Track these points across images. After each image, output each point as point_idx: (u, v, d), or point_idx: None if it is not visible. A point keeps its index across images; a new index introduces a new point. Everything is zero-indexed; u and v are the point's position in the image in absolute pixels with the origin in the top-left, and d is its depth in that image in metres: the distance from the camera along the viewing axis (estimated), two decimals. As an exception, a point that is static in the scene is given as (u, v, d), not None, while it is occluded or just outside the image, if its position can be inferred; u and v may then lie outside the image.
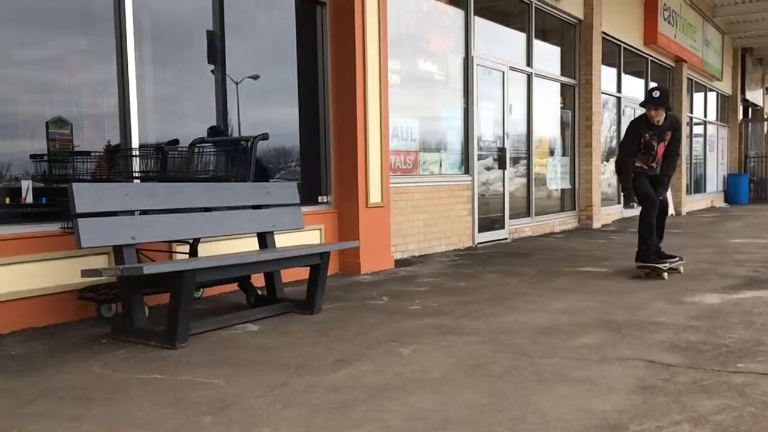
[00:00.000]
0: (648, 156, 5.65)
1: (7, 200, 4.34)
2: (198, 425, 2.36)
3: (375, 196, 6.17)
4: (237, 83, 5.61)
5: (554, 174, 10.53)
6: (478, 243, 8.16)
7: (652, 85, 5.71)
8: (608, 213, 11.69)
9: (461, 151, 8.18)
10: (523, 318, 4.02)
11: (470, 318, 4.05)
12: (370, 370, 2.99)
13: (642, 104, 5.64)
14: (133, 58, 4.66)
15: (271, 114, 6.11)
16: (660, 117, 5.51)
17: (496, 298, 4.70)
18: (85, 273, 3.55)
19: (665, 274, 5.40)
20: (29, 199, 4.37)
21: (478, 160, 8.28)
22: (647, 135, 5.59)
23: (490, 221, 8.57)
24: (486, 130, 8.58)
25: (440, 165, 7.84)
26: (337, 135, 6.14)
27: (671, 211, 9.88)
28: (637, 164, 5.65)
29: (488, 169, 8.64)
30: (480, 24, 8.31)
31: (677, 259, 5.67)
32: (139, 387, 2.80)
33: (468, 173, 8.14)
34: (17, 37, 4.35)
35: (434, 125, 7.82)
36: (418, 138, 7.44)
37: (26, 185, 4.39)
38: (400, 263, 6.53)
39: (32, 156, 4.49)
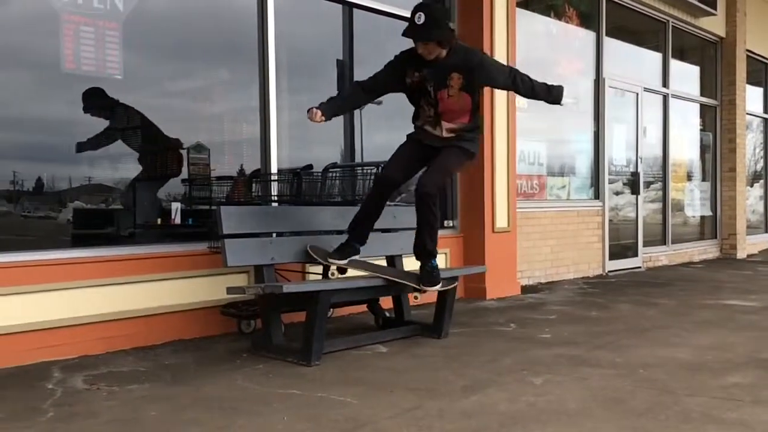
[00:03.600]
0: (425, 110, 3.86)
1: (159, 221, 4.73)
2: (336, 442, 2.43)
3: (501, 221, 6.11)
4: (361, 109, 5.78)
5: (692, 200, 9.93)
6: (609, 271, 7.83)
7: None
8: (754, 242, 10.84)
9: (591, 176, 7.92)
10: (663, 352, 3.81)
11: (605, 349, 3.89)
12: (501, 398, 2.95)
13: (404, 35, 3.69)
14: (274, 88, 4.94)
15: (395, 138, 6.22)
16: (434, 54, 3.70)
17: (632, 330, 4.48)
18: (230, 290, 3.78)
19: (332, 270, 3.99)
20: (178, 220, 4.73)
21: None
22: (415, 75, 3.76)
23: (620, 248, 8.21)
24: (617, 153, 8.27)
25: (568, 190, 7.64)
26: (464, 159, 6.15)
27: None
28: (418, 122, 3.96)
29: (617, 194, 8.30)
30: (612, 45, 8.07)
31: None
32: (279, 401, 2.93)
33: (598, 198, 7.87)
34: (169, 71, 4.76)
35: (562, 149, 7.65)
36: (545, 162, 7.31)
37: (175, 207, 4.75)
38: (526, 290, 6.40)
39: (183, 180, 4.88)
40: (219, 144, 5.10)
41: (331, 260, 3.92)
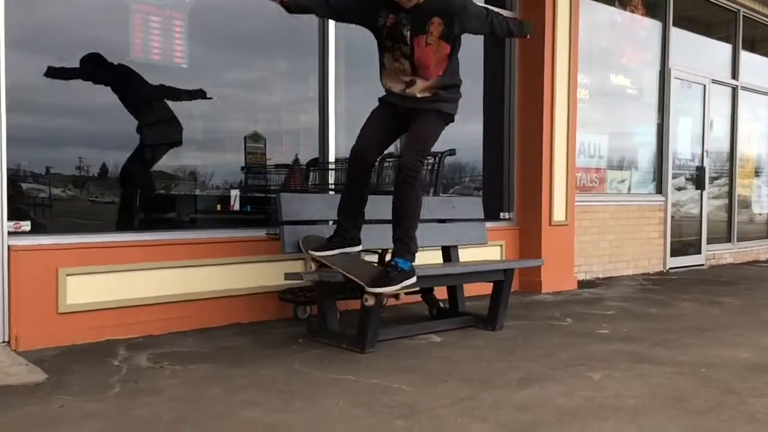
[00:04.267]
0: (396, 62, 3.42)
1: (218, 207, 4.85)
2: (391, 428, 2.45)
3: (559, 214, 6.01)
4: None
5: (759, 196, 9.54)
6: (670, 268, 7.61)
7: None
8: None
9: (653, 170, 7.70)
10: (727, 352, 3.68)
11: (666, 347, 3.79)
12: (558, 392, 2.91)
13: None
14: (333, 78, 4.98)
15: (447, 132, 6.16)
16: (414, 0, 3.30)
17: (694, 329, 4.35)
18: (288, 276, 3.85)
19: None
20: (237, 207, 4.83)
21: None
22: (389, 17, 3.36)
23: (682, 245, 7.96)
24: (681, 147, 8.00)
25: (629, 183, 7.45)
26: (522, 151, 6.08)
27: None
28: (388, 83, 3.51)
29: (679, 189, 8.04)
30: (679, 35, 7.80)
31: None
32: (334, 386, 2.97)
33: (660, 193, 7.64)
34: (230, 61, 4.85)
35: (624, 141, 7.45)
36: (605, 155, 7.14)
37: (234, 194, 4.86)
38: (583, 285, 6.28)
39: (241, 168, 4.98)
40: (276, 133, 5.18)
41: (311, 251, 3.55)
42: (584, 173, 6.83)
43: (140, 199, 4.54)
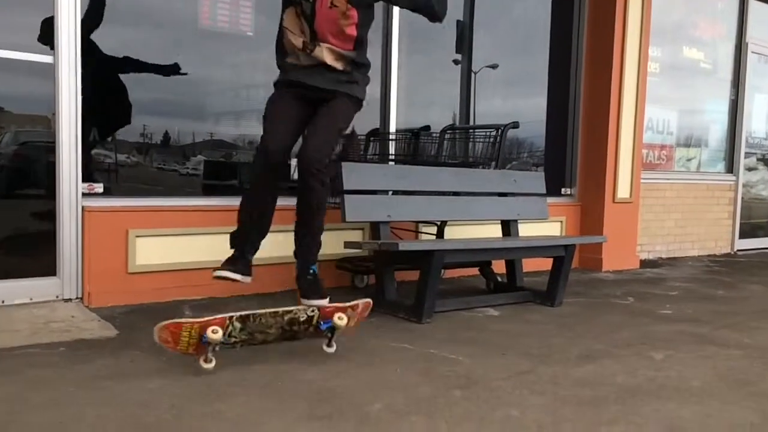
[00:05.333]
0: (293, 30, 2.88)
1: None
2: (448, 397, 2.46)
3: (623, 191, 5.85)
4: (475, 73, 5.68)
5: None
6: (738, 250, 7.33)
7: None
8: None
9: (724, 148, 7.39)
10: (799, 337, 3.54)
11: (732, 330, 3.67)
12: (618, 370, 2.86)
13: None
14: (397, 49, 4.94)
15: (510, 106, 6.08)
16: None
17: (763, 312, 4.19)
18: (348, 245, 3.88)
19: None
20: (295, 176, 4.87)
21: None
22: None
23: (750, 227, 7.65)
24: (756, 125, 7.64)
25: (698, 161, 7.18)
26: (587, 125, 5.92)
27: None
28: (288, 59, 2.96)
29: (750, 169, 7.70)
30: (758, 7, 7.39)
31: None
32: (391, 354, 3.00)
33: (731, 173, 7.34)
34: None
35: (694, 118, 7.17)
36: (675, 132, 6.89)
37: (294, 164, 4.90)
38: (645, 264, 6.13)
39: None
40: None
41: (218, 272, 2.87)
42: (651, 150, 6.61)
43: (206, 166, 4.64)
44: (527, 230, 5.22)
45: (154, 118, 4.27)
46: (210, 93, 4.49)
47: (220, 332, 2.52)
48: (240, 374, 2.62)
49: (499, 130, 4.60)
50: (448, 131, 4.85)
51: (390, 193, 4.20)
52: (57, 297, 3.65)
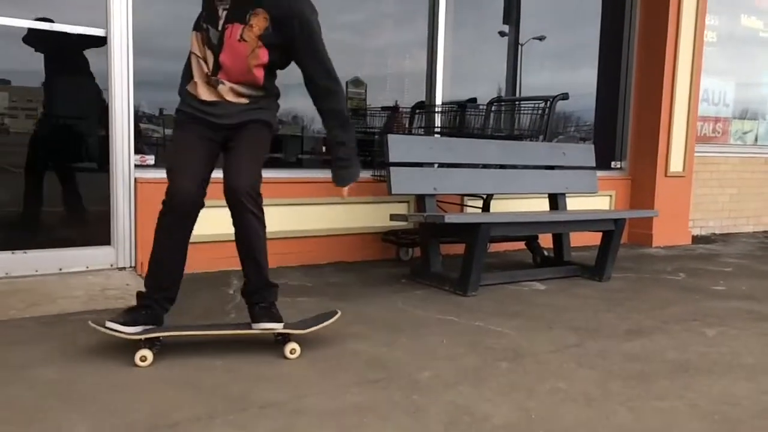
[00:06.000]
0: (201, 49, 2.55)
1: (324, 149, 4.93)
2: (494, 368, 2.46)
3: (676, 165, 5.69)
4: (522, 45, 5.56)
5: None
6: (796, 227, 7.08)
7: None
8: None
9: (784, 121, 7.11)
10: None
11: (789, 308, 3.56)
12: (669, 346, 2.81)
13: None
14: (443, 21, 4.88)
15: (557, 79, 5.94)
16: None
17: (822, 290, 4.05)
18: (393, 217, 3.89)
19: (142, 354, 2.37)
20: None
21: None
22: (219, 9, 2.50)
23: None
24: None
25: (755, 135, 6.92)
26: (639, 97, 5.76)
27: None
28: (192, 82, 2.58)
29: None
30: (825, -30, 7.03)
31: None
32: (438, 325, 3.01)
33: (792, 146, 7.06)
34: (337, 3, 4.82)
35: (753, 90, 6.89)
36: (731, 104, 6.64)
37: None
38: (697, 240, 5.98)
39: (350, 109, 5.02)
40: (381, 77, 5.15)
41: (111, 326, 2.39)
42: (705, 122, 6.40)
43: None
44: (575, 205, 5.14)
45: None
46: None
47: (149, 359, 2.36)
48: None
49: (548, 102, 4.51)
50: (495, 103, 4.78)
51: (436, 165, 4.18)
52: (111, 266, 3.77)
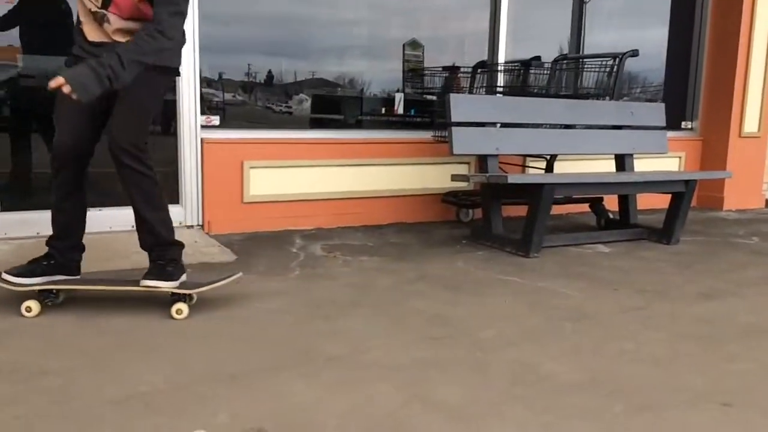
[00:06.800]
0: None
1: (383, 110, 4.91)
2: (558, 328, 2.44)
3: (751, 125, 5.43)
4: (586, 2, 5.35)
5: None
6: None
7: None
8: None
9: None
10: None
11: None
12: (741, 309, 2.73)
13: None
14: (506, -21, 4.75)
15: (623, 37, 5.68)
16: None
17: None
18: (455, 177, 3.86)
19: (27, 305, 2.39)
20: (400, 110, 4.87)
21: None
22: None
23: None
24: None
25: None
26: (713, 55, 5.49)
27: None
28: (81, 22, 2.44)
29: None
30: None
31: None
32: (500, 286, 3.00)
33: None
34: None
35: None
36: (813, 60, 6.25)
37: (399, 98, 4.88)
38: (771, 204, 5.73)
39: (409, 71, 4.97)
40: (441, 39, 5.06)
41: (5, 276, 2.42)
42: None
43: (314, 100, 4.71)
44: (642, 167, 4.98)
45: (258, 57, 4.35)
46: (312, 30, 4.50)
47: (34, 310, 2.38)
48: (356, 298, 2.71)
49: (617, 59, 4.35)
50: (561, 61, 4.64)
51: (498, 125, 4.11)
52: (180, 224, 3.88)
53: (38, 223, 3.42)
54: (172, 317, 2.40)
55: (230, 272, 2.66)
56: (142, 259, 3.12)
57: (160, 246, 2.52)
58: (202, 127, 3.87)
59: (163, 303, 2.47)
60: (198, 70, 3.82)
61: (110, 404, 1.71)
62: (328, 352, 2.13)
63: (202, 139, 3.85)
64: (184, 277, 2.53)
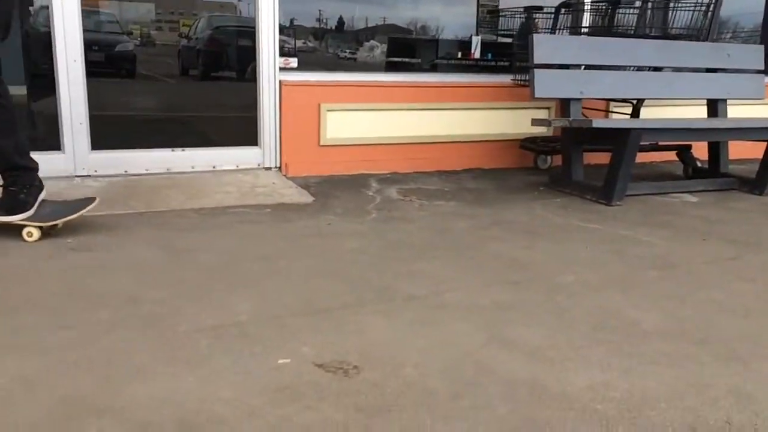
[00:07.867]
0: None
1: (459, 54, 4.79)
2: (642, 276, 2.36)
3: None
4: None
5: None
6: None
7: None
8: None
9: None
10: None
11: None
12: (843, 264, 2.57)
13: None
14: None
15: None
16: None
17: None
18: (535, 122, 3.75)
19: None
20: (477, 54, 4.74)
21: None
22: None
23: None
24: None
25: None
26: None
27: None
28: None
29: None
30: None
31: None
32: (579, 232, 2.93)
33: None
34: None
35: None
36: None
37: (476, 41, 4.75)
38: None
39: (487, 12, 4.81)
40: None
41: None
42: None
43: (390, 44, 4.64)
44: (736, 112, 4.69)
45: (329, 3, 4.29)
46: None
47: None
48: (432, 240, 2.71)
49: (713, -3, 4.07)
50: (651, 0, 4.37)
51: (582, 68, 3.94)
52: (258, 165, 3.96)
53: (127, 162, 3.56)
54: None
55: (88, 201, 2.61)
56: (224, 198, 3.22)
57: (11, 171, 2.48)
58: (281, 69, 3.89)
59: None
60: (277, 13, 3.81)
61: (207, 330, 1.78)
62: (407, 292, 2.14)
63: (280, 81, 3.87)
64: (42, 196, 2.51)
